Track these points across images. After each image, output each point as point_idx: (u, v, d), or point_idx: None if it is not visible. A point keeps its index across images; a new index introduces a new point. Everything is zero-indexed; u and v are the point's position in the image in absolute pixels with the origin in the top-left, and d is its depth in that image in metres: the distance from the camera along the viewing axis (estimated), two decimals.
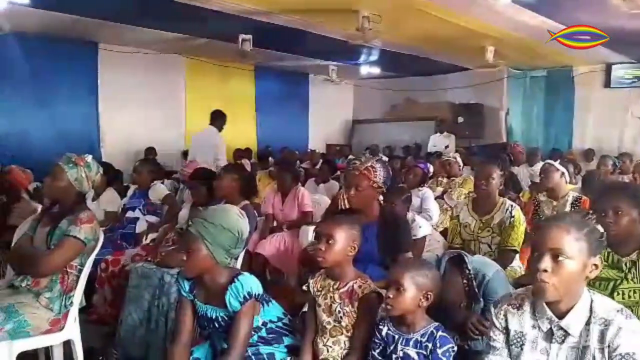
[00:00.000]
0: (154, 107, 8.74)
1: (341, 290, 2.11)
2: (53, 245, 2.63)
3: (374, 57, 9.51)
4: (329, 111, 11.82)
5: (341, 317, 2.08)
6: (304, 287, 2.77)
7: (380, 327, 1.97)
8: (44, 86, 7.63)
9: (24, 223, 3.28)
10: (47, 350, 3.03)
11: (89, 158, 2.84)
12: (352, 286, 2.10)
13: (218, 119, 6.52)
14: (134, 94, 8.46)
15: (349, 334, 2.09)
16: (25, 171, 4.30)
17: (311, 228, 4.41)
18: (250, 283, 2.05)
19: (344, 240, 2.10)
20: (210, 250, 2.00)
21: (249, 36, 7.39)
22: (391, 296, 1.88)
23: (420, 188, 4.82)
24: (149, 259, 3.50)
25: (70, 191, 2.74)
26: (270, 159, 8.58)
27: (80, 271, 2.74)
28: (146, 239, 4.25)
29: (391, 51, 8.85)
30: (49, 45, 7.51)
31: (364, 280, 2.12)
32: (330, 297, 2.12)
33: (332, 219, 2.23)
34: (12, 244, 3.30)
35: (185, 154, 8.82)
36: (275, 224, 4.73)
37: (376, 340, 1.97)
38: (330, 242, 2.09)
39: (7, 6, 5.53)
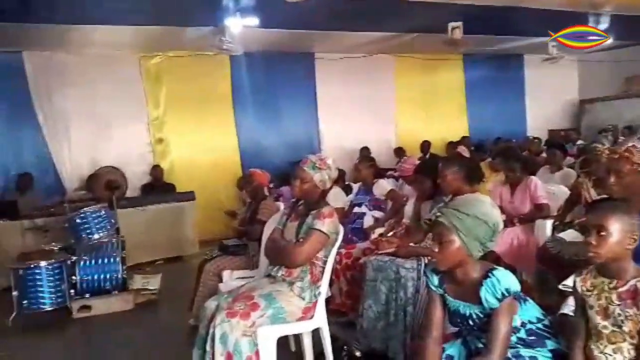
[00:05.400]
0: (366, 107, 9.04)
1: (620, 290, 1.78)
2: (301, 238, 2.84)
3: (604, 25, 8.26)
4: (550, 93, 10.69)
5: (622, 321, 1.76)
6: (560, 286, 2.47)
7: None
8: (271, 99, 8.55)
9: (273, 218, 3.65)
10: (296, 337, 3.30)
11: (330, 161, 3.03)
12: (636, 285, 1.76)
13: None
14: (348, 97, 8.88)
15: (633, 341, 1.76)
16: (264, 172, 4.80)
17: (548, 222, 4.00)
18: (508, 279, 1.88)
19: (619, 231, 1.78)
20: (464, 242, 1.90)
21: (459, 23, 7.10)
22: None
23: None
24: (381, 252, 3.55)
25: (316, 191, 2.95)
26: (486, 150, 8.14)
27: (325, 262, 2.91)
28: (374, 232, 4.36)
29: (625, 15, 7.59)
30: (271, 60, 8.35)
31: None
32: (606, 297, 1.81)
33: (602, 206, 1.90)
34: (263, 238, 3.71)
35: (398, 150, 8.95)
36: (503, 217, 4.40)
37: None
38: (602, 234, 1.78)
39: (241, 29, 6.26)
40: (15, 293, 4.43)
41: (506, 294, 1.85)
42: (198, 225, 6.96)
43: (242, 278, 3.79)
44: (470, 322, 1.97)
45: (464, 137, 9.49)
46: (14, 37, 6.39)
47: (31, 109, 7.01)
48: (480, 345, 1.97)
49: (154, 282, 4.97)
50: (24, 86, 6.96)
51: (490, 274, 1.89)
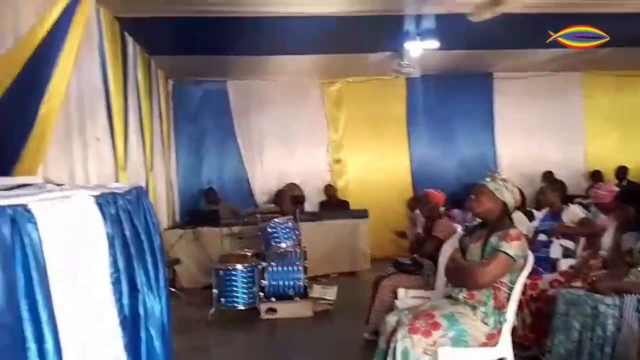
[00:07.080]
0: (548, 128, 8.42)
1: None
2: (486, 259, 2.77)
3: None
4: None
5: None
6: None
7: None
8: (445, 120, 8.47)
9: (452, 238, 3.61)
10: None
11: (508, 178, 2.92)
12: None
13: None
14: (528, 117, 8.37)
15: None
16: (439, 192, 4.82)
17: None
18: None
19: None
20: None
21: None
22: None
23: None
24: (574, 284, 3.28)
25: (496, 208, 2.86)
26: None
27: (510, 289, 2.79)
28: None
29: None
30: (447, 81, 8.24)
31: None
32: None
33: None
34: (440, 259, 3.69)
35: (594, 175, 8.16)
36: None
37: None
38: None
39: (420, 52, 6.35)
40: (215, 291, 5.05)
41: None
42: (370, 242, 7.17)
43: (417, 297, 3.80)
44: None
45: None
46: (222, 68, 7.45)
47: (232, 130, 8.02)
48: None
49: (331, 293, 5.25)
50: (227, 110, 8.01)
51: None
